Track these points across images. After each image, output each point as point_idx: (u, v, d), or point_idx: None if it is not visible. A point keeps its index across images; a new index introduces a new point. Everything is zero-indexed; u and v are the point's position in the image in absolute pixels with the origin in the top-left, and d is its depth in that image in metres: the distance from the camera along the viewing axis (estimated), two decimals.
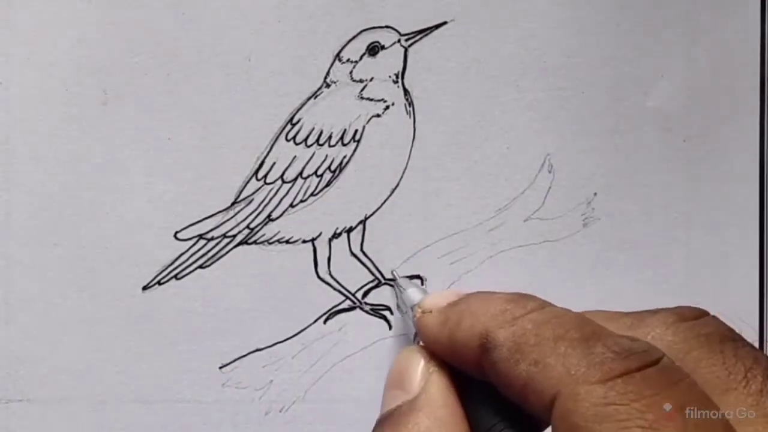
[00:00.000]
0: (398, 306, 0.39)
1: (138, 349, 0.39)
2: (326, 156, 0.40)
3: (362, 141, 0.40)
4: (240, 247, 0.40)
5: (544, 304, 0.32)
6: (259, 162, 0.40)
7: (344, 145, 0.40)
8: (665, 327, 0.32)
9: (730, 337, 0.31)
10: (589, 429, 0.27)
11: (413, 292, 0.38)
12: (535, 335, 0.30)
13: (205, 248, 0.39)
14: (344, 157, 0.40)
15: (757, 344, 0.42)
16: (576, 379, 0.28)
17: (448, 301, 0.34)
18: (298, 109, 0.40)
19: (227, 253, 0.40)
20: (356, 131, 0.40)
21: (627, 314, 0.33)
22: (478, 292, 0.34)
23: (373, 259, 0.40)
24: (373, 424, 0.40)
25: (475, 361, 0.31)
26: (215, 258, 0.40)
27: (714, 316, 0.32)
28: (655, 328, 0.32)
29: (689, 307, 0.33)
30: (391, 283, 0.41)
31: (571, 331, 0.29)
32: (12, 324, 0.39)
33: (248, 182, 0.40)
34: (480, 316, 0.32)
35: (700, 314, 0.32)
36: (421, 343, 0.34)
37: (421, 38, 0.40)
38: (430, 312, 0.34)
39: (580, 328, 0.30)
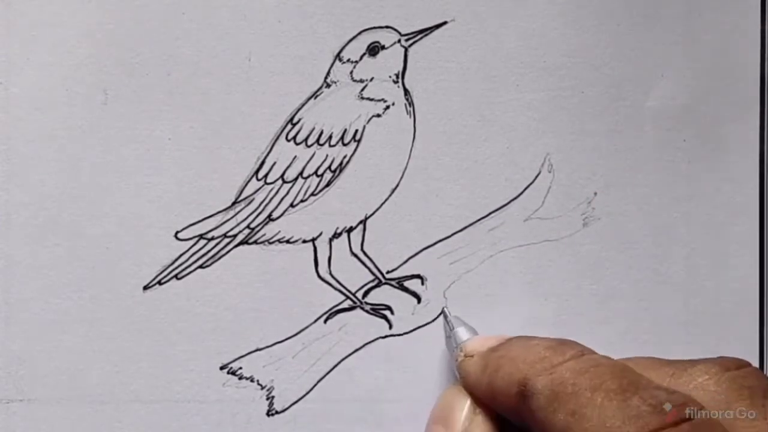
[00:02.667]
0: (447, 341, 0.40)
1: (138, 349, 0.39)
2: (326, 156, 0.40)
3: (362, 141, 0.40)
4: (240, 247, 0.40)
5: (583, 351, 0.32)
6: (259, 162, 0.40)
7: (344, 145, 0.40)
8: (707, 377, 0.32)
9: None
10: None
11: (461, 332, 0.38)
12: (572, 384, 0.30)
13: (205, 248, 0.39)
14: (344, 157, 0.40)
15: (756, 345, 0.42)
16: None
17: (489, 346, 0.34)
18: (298, 109, 0.40)
19: (227, 253, 0.40)
20: (356, 131, 0.40)
21: (669, 363, 0.33)
22: (520, 338, 0.35)
23: (373, 259, 0.40)
24: (373, 424, 0.40)
25: (514, 407, 0.32)
26: (215, 258, 0.40)
27: (756, 368, 0.33)
28: (697, 377, 0.32)
29: (732, 359, 0.33)
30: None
31: (608, 381, 0.30)
32: (12, 324, 0.39)
33: (248, 182, 0.40)
34: (519, 363, 0.32)
35: (742, 365, 0.33)
36: None
37: (421, 38, 0.40)
38: (472, 356, 0.35)
39: (618, 379, 0.30)
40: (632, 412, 0.28)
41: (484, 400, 0.34)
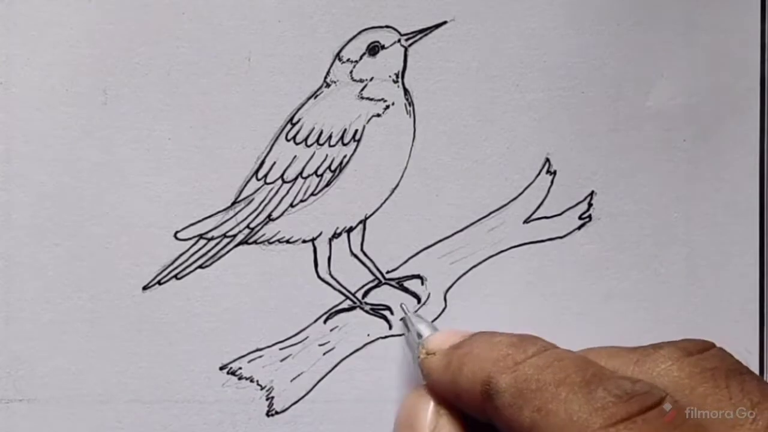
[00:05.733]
0: (406, 340, 0.39)
1: (138, 349, 0.39)
2: (326, 156, 0.40)
3: (362, 141, 0.40)
4: (240, 247, 0.40)
5: (545, 347, 0.32)
6: (259, 162, 0.40)
7: (344, 144, 0.40)
8: (671, 362, 0.31)
9: (736, 371, 0.31)
10: None
11: (422, 329, 0.37)
12: (536, 380, 0.30)
13: (205, 248, 0.39)
14: (344, 156, 0.40)
15: (757, 345, 0.42)
16: (579, 426, 0.28)
17: (451, 343, 0.34)
18: (298, 109, 0.40)
19: (227, 253, 0.40)
20: (356, 131, 0.40)
21: (632, 350, 0.33)
22: (481, 334, 0.34)
23: (373, 259, 0.40)
24: (373, 424, 0.40)
25: (479, 406, 0.31)
26: (215, 258, 0.40)
27: (720, 349, 0.32)
28: (660, 363, 0.32)
29: (694, 341, 0.33)
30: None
31: (572, 375, 0.29)
32: (12, 324, 0.39)
33: (248, 182, 0.40)
34: (482, 361, 0.32)
35: (706, 347, 0.32)
36: None
37: (421, 38, 0.40)
38: (434, 354, 0.34)
39: (582, 371, 0.30)
40: (598, 404, 0.28)
41: (448, 399, 0.34)
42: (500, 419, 0.31)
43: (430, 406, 0.34)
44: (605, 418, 0.28)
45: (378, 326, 0.41)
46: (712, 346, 0.33)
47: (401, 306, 0.40)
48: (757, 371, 0.41)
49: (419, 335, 0.37)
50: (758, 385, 0.30)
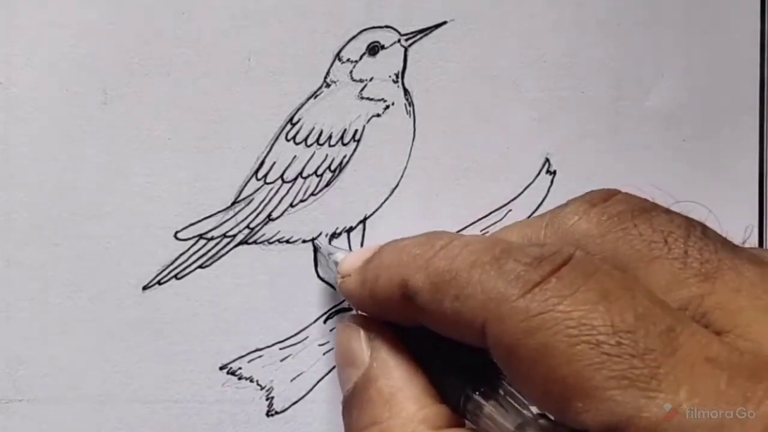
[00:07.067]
0: (325, 274, 0.38)
1: (138, 349, 0.39)
2: (326, 156, 0.40)
3: (362, 141, 0.40)
4: (240, 247, 0.40)
5: (453, 237, 0.31)
6: (259, 162, 0.40)
7: (344, 144, 0.40)
8: (577, 217, 0.31)
9: (643, 209, 0.31)
10: (523, 346, 0.27)
11: (337, 256, 0.37)
12: (448, 271, 0.30)
13: (205, 248, 0.39)
14: (344, 156, 0.40)
15: None
16: (497, 302, 0.28)
17: (363, 259, 0.34)
18: (298, 109, 0.40)
19: (227, 253, 0.40)
20: (356, 131, 0.40)
21: (542, 216, 0.33)
22: (389, 243, 0.34)
23: None
24: None
25: (403, 312, 0.31)
26: (215, 258, 0.40)
27: (625, 194, 0.32)
28: (567, 220, 0.32)
29: (599, 191, 0.32)
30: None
31: (481, 256, 0.29)
32: (12, 324, 0.39)
33: (248, 182, 0.40)
34: (394, 267, 0.32)
35: (611, 195, 0.32)
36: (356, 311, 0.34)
37: (421, 38, 0.40)
38: (349, 275, 0.34)
39: (490, 250, 0.29)
40: (511, 276, 0.28)
41: (375, 316, 0.33)
42: (425, 318, 0.31)
43: (361, 332, 0.34)
44: (520, 286, 0.28)
45: None
46: (617, 192, 0.32)
47: (313, 242, 0.39)
48: None
49: (336, 264, 0.36)
50: (666, 216, 0.30)
